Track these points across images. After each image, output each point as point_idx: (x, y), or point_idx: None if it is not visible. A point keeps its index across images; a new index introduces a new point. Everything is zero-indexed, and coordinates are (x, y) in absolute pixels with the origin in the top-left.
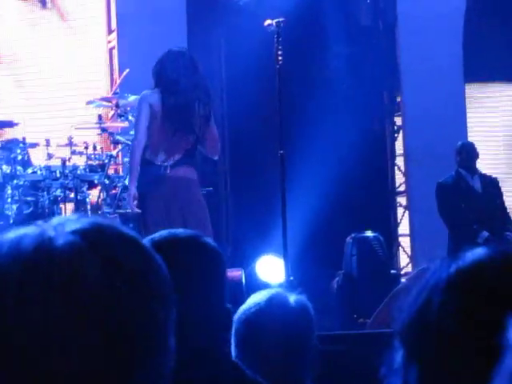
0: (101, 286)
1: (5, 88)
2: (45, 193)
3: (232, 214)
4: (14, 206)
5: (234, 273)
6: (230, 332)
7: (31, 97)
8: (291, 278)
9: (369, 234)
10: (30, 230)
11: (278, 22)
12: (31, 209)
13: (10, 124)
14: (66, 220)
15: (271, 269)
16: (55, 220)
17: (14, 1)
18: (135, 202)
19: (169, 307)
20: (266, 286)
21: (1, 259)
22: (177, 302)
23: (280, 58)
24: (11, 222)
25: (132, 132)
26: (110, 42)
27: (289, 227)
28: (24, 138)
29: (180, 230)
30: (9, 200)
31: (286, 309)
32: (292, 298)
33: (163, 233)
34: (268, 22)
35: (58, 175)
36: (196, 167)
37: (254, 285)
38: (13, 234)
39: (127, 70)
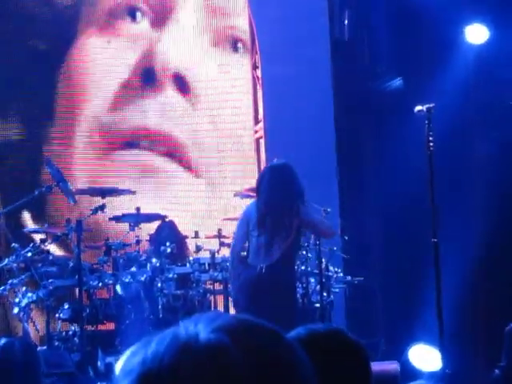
0: None
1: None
2: (194, 285)
3: (383, 304)
4: (164, 301)
5: (389, 366)
6: None
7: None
8: (447, 371)
9: None
10: (175, 329)
11: (429, 107)
12: (180, 302)
13: (159, 217)
14: (210, 316)
15: (426, 358)
16: (199, 316)
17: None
18: None
19: None
20: (420, 375)
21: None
22: None
23: (431, 144)
24: (160, 317)
25: None
26: (256, 131)
27: (444, 315)
28: (173, 230)
29: (319, 326)
30: (158, 294)
31: None
32: None
33: (303, 329)
34: (418, 108)
35: (207, 267)
36: None
37: (409, 374)
38: (162, 334)
39: (275, 160)
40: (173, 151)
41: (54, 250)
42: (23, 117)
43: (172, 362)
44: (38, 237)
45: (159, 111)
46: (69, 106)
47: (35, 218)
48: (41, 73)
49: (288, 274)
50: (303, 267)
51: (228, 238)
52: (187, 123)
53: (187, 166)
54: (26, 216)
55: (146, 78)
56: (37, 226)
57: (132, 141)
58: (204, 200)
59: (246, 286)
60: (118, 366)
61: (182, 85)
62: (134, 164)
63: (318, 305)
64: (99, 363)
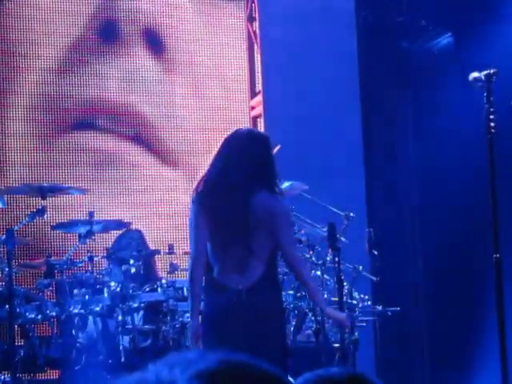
0: None
1: None
2: (168, 318)
3: (427, 344)
4: (126, 338)
5: None
6: None
7: None
8: None
9: None
10: (144, 375)
11: (489, 74)
12: (149, 341)
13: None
14: (188, 359)
15: None
16: (174, 359)
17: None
18: None
19: None
20: None
21: None
22: None
23: (492, 124)
24: (122, 360)
25: None
26: (253, 108)
27: (508, 347)
28: (140, 243)
29: (333, 370)
30: (119, 329)
31: None
32: None
33: (312, 375)
34: (474, 74)
35: (186, 293)
36: None
37: None
38: (125, 382)
39: (278, 147)
40: (141, 133)
41: None
42: None
43: None
44: None
45: (123, 79)
46: (0, 72)
47: None
48: None
49: (277, 299)
50: None
51: None
52: (160, 95)
53: (160, 153)
54: None
55: (106, 33)
56: None
57: (85, 119)
58: (182, 200)
59: (217, 317)
60: None
61: (153, 43)
62: (87, 151)
63: (337, 344)
64: None
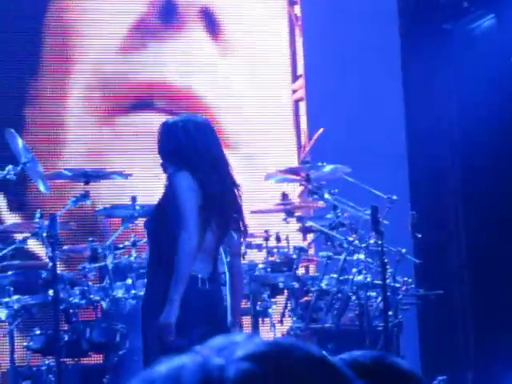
0: None
1: None
2: None
3: (472, 326)
4: None
5: None
6: None
7: None
8: None
9: None
10: (188, 359)
11: None
12: None
13: None
14: (235, 342)
15: None
16: (220, 342)
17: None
18: None
19: None
20: None
21: None
22: None
23: None
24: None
25: (329, 215)
26: (295, 91)
27: None
28: None
29: (365, 352)
30: None
31: None
32: None
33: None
34: None
35: None
36: None
37: None
38: (166, 367)
39: (320, 130)
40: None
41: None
42: None
43: None
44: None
45: (181, 61)
46: (59, 53)
47: (13, 208)
48: (28, 4)
49: None
50: (359, 277)
51: (257, 237)
52: (217, 77)
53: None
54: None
55: (166, 13)
56: (14, 219)
57: (142, 100)
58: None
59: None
60: None
61: (210, 24)
62: (140, 133)
63: (381, 327)
64: None
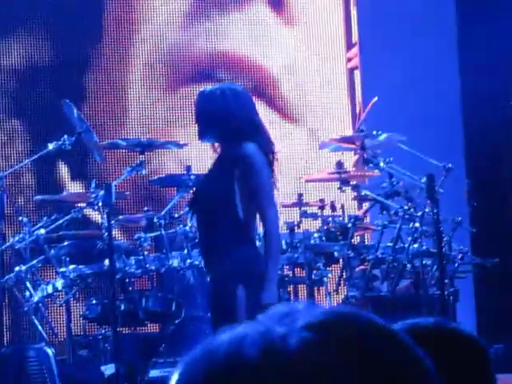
0: None
1: None
2: None
3: None
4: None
5: None
6: None
7: None
8: None
9: None
10: (251, 328)
11: None
12: None
13: None
14: (296, 310)
15: None
16: (281, 310)
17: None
18: None
19: None
20: None
21: (219, 370)
22: None
23: None
24: None
25: (384, 184)
26: (350, 60)
27: None
28: None
29: (425, 319)
30: None
31: None
32: None
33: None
34: None
35: (284, 246)
36: None
37: None
38: (229, 335)
39: (375, 99)
40: (262, 87)
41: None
42: (60, 36)
43: (255, 370)
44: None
45: (244, 32)
46: (122, 23)
47: (76, 176)
48: None
49: None
50: (415, 245)
51: (312, 206)
52: (280, 49)
53: (279, 108)
54: (64, 172)
55: None
56: (78, 188)
57: (205, 71)
58: (301, 154)
59: None
60: None
61: None
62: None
63: (436, 296)
64: (139, 379)
